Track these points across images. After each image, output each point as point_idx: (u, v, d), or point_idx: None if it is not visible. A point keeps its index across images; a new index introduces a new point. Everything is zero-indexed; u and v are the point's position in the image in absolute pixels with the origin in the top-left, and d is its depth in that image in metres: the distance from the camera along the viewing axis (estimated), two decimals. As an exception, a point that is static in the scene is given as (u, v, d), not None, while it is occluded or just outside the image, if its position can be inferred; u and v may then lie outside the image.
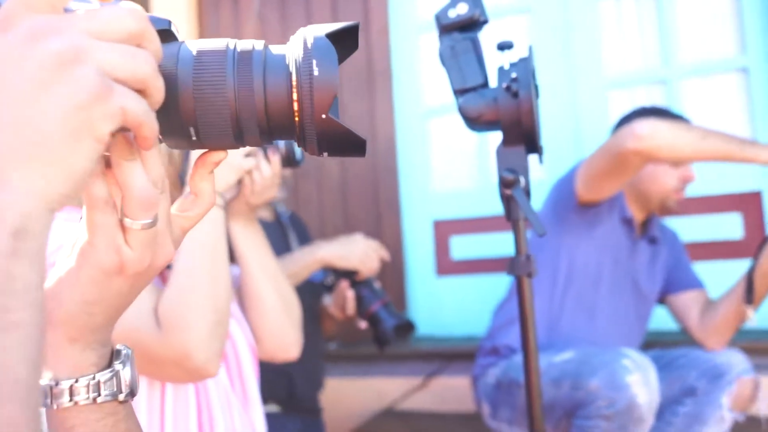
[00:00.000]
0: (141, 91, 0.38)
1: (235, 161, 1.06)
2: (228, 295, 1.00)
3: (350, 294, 1.61)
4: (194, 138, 0.45)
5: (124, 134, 0.40)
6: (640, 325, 1.75)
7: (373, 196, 2.45)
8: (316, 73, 0.43)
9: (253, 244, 1.18)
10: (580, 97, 2.31)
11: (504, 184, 0.86)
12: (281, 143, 1.13)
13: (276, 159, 1.13)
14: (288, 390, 1.75)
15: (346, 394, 2.30)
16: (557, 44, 2.33)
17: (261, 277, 1.19)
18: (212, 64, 0.44)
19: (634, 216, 1.72)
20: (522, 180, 0.87)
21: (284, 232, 1.87)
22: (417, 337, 2.41)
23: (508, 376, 1.60)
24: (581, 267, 1.68)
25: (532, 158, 0.95)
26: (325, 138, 0.45)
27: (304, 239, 1.93)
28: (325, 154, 0.47)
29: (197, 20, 2.70)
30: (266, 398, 1.71)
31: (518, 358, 1.62)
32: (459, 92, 0.90)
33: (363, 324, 1.61)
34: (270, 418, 1.69)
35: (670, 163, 1.57)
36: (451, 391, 2.20)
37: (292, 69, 0.44)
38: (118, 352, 0.49)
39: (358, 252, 1.61)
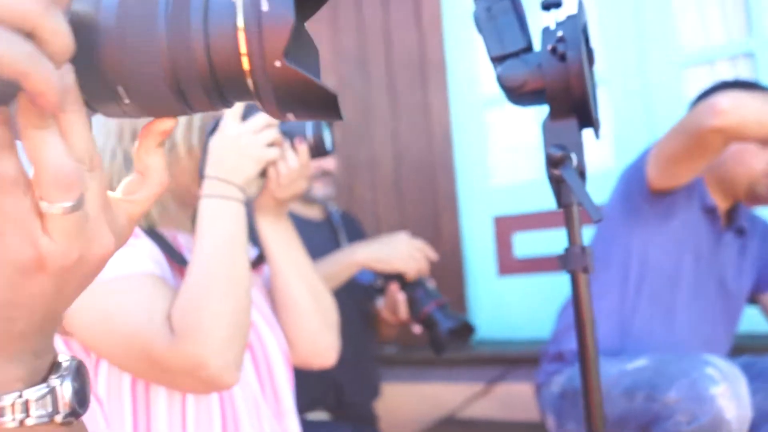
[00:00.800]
0: (30, 35, 0.29)
1: (255, 152, 0.97)
2: (247, 299, 0.91)
3: (401, 297, 1.50)
4: (126, 101, 0.36)
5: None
6: (726, 329, 1.55)
7: (430, 193, 2.33)
8: (264, 8, 0.33)
9: (283, 241, 1.10)
10: (652, 75, 2.11)
11: (551, 162, 0.73)
12: (309, 131, 1.04)
13: (303, 148, 1.03)
14: (337, 396, 1.66)
15: (404, 400, 2.19)
16: (625, 16, 2.14)
17: (292, 277, 1.10)
18: (140, 6, 0.34)
19: (718, 204, 1.52)
20: (573, 158, 0.74)
21: (334, 233, 1.78)
22: (478, 341, 2.27)
23: (573, 385, 1.45)
24: (656, 263, 1.50)
25: (588, 135, 0.81)
26: (283, 93, 0.35)
27: (358, 240, 1.84)
28: (290, 115, 0.37)
29: None
30: (314, 404, 1.62)
31: (585, 365, 1.46)
32: (497, 59, 0.78)
33: (417, 328, 1.50)
34: (318, 426, 1.61)
35: (758, 142, 1.37)
36: (515, 398, 2.05)
37: (239, 8, 0.34)
38: (59, 365, 0.39)
39: (400, 253, 1.50)
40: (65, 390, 0.38)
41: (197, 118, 1.00)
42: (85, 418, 0.93)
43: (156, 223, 1.01)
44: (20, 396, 0.36)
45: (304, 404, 1.60)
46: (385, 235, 1.59)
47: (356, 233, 1.86)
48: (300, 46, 0.40)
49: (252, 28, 0.33)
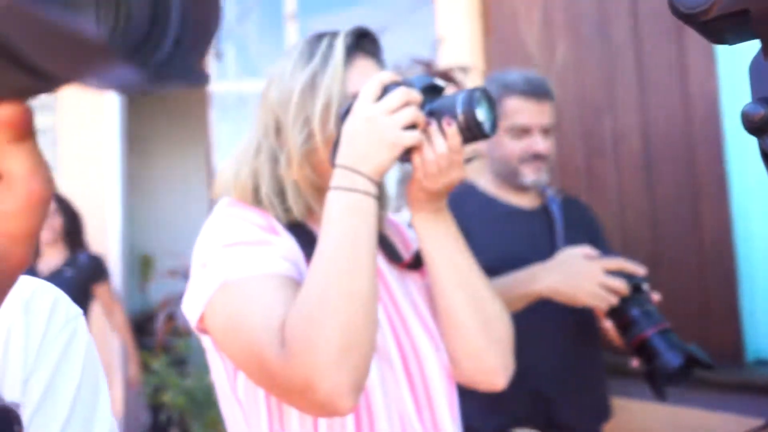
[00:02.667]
0: None
1: (389, 135, 0.82)
2: (368, 312, 0.78)
3: (607, 324, 1.22)
4: None
5: None
6: None
7: (688, 174, 1.90)
8: None
9: (441, 241, 0.93)
10: None
11: (749, 125, 0.44)
12: (459, 109, 0.85)
13: (452, 130, 0.85)
14: (547, 415, 1.43)
15: (650, 425, 1.83)
16: None
17: (450, 283, 0.93)
18: None
19: None
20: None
21: (550, 225, 1.53)
22: (755, 360, 1.79)
23: None
24: None
25: None
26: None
27: (584, 233, 1.56)
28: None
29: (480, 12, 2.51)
30: (517, 424, 1.43)
31: None
32: None
33: (635, 361, 1.20)
34: (523, 447, 1.40)
35: None
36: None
37: None
38: None
39: (583, 288, 1.22)
40: None
41: (336, 102, 0.89)
42: (228, 417, 0.90)
43: (303, 217, 0.93)
44: None
45: (503, 423, 1.41)
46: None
47: (580, 223, 1.57)
48: None
49: None
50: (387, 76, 0.86)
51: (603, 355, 1.53)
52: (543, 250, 1.45)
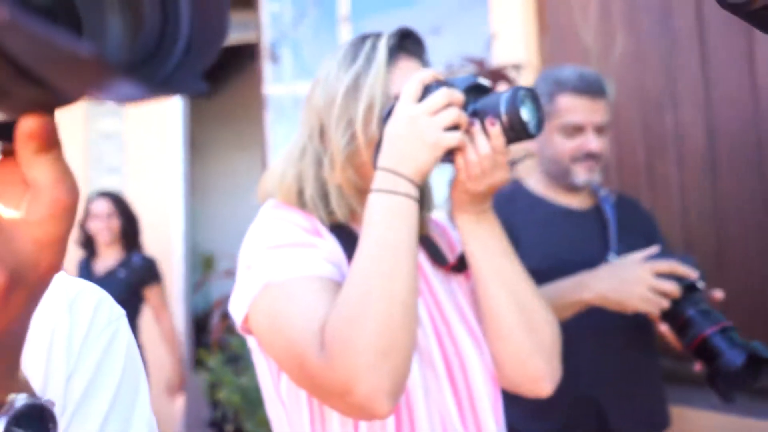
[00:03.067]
0: None
1: (431, 136, 0.81)
2: (407, 316, 0.77)
3: (663, 328, 1.17)
4: None
5: None
6: None
7: (756, 170, 1.80)
8: None
9: (485, 243, 0.92)
10: None
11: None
12: (503, 108, 0.83)
13: (496, 131, 0.83)
14: (599, 424, 1.39)
15: (714, 433, 1.75)
16: None
17: (494, 286, 0.91)
18: None
19: None
20: None
21: (603, 226, 1.48)
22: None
23: None
24: None
25: None
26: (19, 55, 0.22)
27: (639, 235, 1.50)
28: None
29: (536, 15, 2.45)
30: (571, 428, 1.39)
31: None
32: None
33: (698, 364, 1.14)
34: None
35: None
36: None
37: None
38: (8, 405, 0.35)
39: (632, 294, 1.17)
40: None
41: (378, 104, 0.89)
42: (272, 417, 0.92)
43: (346, 219, 0.93)
44: None
45: (552, 429, 1.37)
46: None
47: (635, 224, 1.51)
48: None
49: None
50: (428, 75, 0.85)
51: (660, 361, 1.47)
52: (595, 252, 1.41)
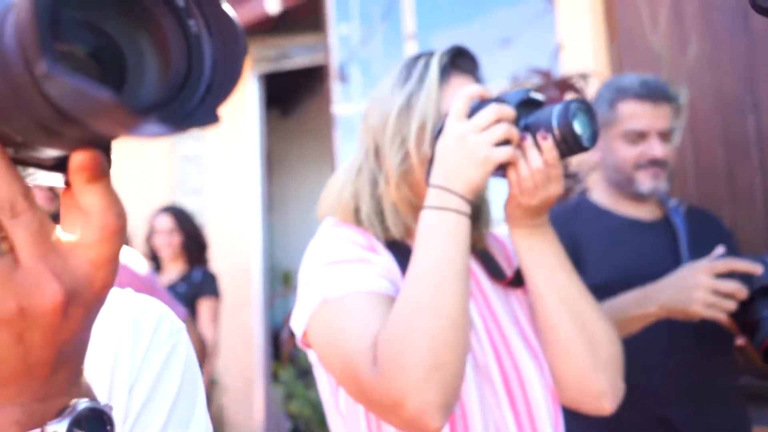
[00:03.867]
0: None
1: (480, 152, 0.82)
2: (458, 332, 0.78)
3: (740, 341, 1.11)
4: (18, 138, 0.32)
5: None
6: None
7: None
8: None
9: (541, 258, 0.91)
10: None
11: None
12: (555, 122, 0.83)
13: (548, 144, 0.83)
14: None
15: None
16: None
17: (551, 301, 0.90)
18: None
19: None
20: None
21: (673, 237, 1.43)
22: None
23: None
24: None
25: None
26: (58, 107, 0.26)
27: (714, 247, 1.43)
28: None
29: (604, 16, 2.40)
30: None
31: None
32: None
33: None
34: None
35: None
36: None
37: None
38: (70, 409, 0.39)
39: (694, 301, 1.13)
40: None
41: (430, 122, 0.90)
42: (333, 428, 0.94)
43: (401, 236, 0.95)
44: None
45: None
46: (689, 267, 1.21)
47: (709, 236, 1.44)
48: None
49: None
50: (475, 91, 0.86)
51: (742, 379, 1.39)
52: (666, 264, 1.35)
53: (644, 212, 1.44)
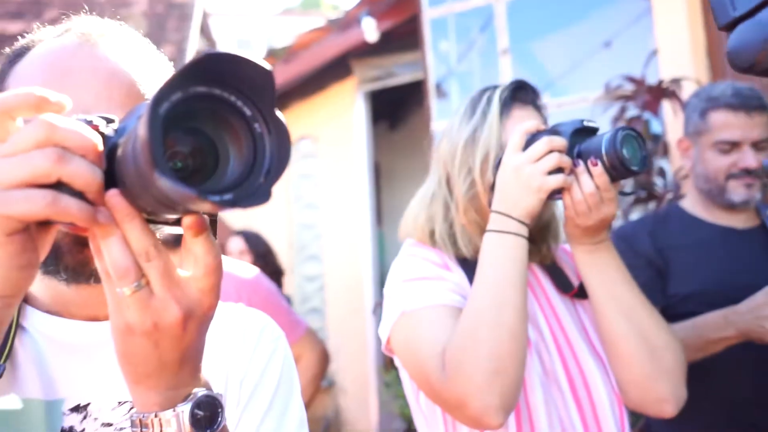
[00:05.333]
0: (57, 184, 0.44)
1: (535, 181, 0.92)
2: (516, 342, 0.88)
3: None
4: (148, 209, 0.48)
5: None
6: None
7: None
8: (140, 132, 0.41)
9: (601, 273, 0.99)
10: None
11: None
12: (603, 149, 0.91)
13: (598, 170, 0.91)
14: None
15: None
16: None
17: (612, 313, 0.98)
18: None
19: None
20: None
21: None
22: None
23: None
24: None
25: None
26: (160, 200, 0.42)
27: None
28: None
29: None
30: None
31: None
32: (725, 28, 0.55)
33: None
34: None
35: None
36: None
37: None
38: (192, 396, 0.53)
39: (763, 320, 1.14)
40: (183, 416, 0.52)
41: (493, 153, 1.01)
42: (417, 425, 1.07)
43: (471, 255, 1.05)
44: (156, 416, 0.51)
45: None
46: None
47: None
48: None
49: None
50: (531, 125, 0.96)
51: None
52: (764, 272, 1.35)
53: (738, 221, 1.44)
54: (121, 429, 0.64)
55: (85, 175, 0.44)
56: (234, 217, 4.49)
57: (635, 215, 2.22)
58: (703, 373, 1.32)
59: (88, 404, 0.64)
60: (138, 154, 0.42)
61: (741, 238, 1.43)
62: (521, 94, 1.05)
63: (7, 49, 0.68)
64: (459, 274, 1.04)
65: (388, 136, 5.59)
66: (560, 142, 0.93)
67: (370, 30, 3.52)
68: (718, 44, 2.30)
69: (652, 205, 2.12)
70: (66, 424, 0.63)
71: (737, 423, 1.31)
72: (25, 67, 0.63)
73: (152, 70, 0.67)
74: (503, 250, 0.92)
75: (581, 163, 0.93)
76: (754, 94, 1.40)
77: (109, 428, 0.64)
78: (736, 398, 1.33)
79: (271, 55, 4.31)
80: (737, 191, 1.40)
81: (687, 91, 2.11)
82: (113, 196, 0.46)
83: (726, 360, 1.29)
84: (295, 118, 4.51)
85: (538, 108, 1.06)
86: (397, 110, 5.37)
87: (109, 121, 0.49)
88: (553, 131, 0.96)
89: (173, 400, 0.52)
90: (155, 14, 7.76)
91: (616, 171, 0.91)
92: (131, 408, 0.58)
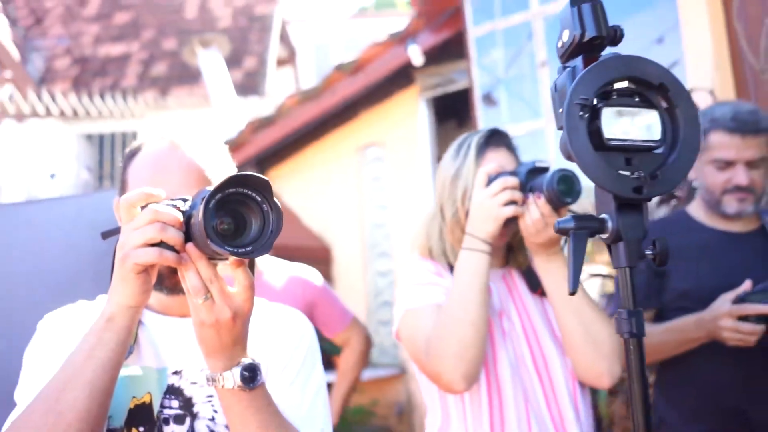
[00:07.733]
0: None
1: (493, 211, 1.23)
2: (477, 332, 1.20)
3: None
4: (207, 254, 0.85)
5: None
6: None
7: None
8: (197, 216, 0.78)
9: (555, 278, 1.29)
10: None
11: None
12: (544, 187, 1.20)
13: (540, 202, 1.21)
14: (745, 427, 1.54)
15: None
16: None
17: (562, 310, 1.28)
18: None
19: None
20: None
21: (766, 246, 1.61)
22: None
23: None
24: None
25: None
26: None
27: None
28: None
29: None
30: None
31: None
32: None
33: None
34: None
35: None
36: None
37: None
38: (241, 363, 0.88)
39: (727, 334, 1.40)
40: (235, 375, 0.87)
41: (470, 188, 1.32)
42: (423, 392, 1.40)
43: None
44: (220, 374, 0.88)
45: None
46: None
47: None
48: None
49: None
50: (491, 168, 1.26)
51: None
52: (761, 272, 1.52)
53: (738, 225, 1.61)
54: (201, 385, 1.02)
55: (175, 237, 0.81)
56: (310, 220, 4.95)
57: (661, 213, 2.41)
58: (685, 364, 1.55)
59: (182, 370, 1.01)
60: (199, 228, 0.78)
61: (739, 240, 1.61)
62: (494, 139, 1.36)
63: (129, 145, 1.08)
64: (449, 280, 1.36)
65: (456, 134, 5.84)
66: (513, 181, 1.24)
67: (416, 55, 3.85)
68: (740, 57, 2.43)
69: (673, 202, 2.31)
70: (169, 383, 1.01)
71: (723, 406, 1.53)
72: (138, 164, 1.02)
73: (216, 160, 1.04)
74: (469, 263, 1.24)
75: (531, 196, 1.24)
76: (752, 117, 1.55)
77: (195, 385, 1.01)
78: (719, 384, 1.54)
79: (339, 69, 4.69)
80: (731, 204, 1.58)
81: (701, 100, 2.28)
82: (190, 248, 0.82)
83: (707, 347, 1.50)
84: (362, 126, 4.90)
85: (511, 148, 1.37)
86: (464, 108, 5.63)
87: (185, 200, 0.86)
88: (513, 172, 1.27)
89: (230, 365, 0.86)
90: (238, 28, 8.36)
91: (553, 203, 1.20)
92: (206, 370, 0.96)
